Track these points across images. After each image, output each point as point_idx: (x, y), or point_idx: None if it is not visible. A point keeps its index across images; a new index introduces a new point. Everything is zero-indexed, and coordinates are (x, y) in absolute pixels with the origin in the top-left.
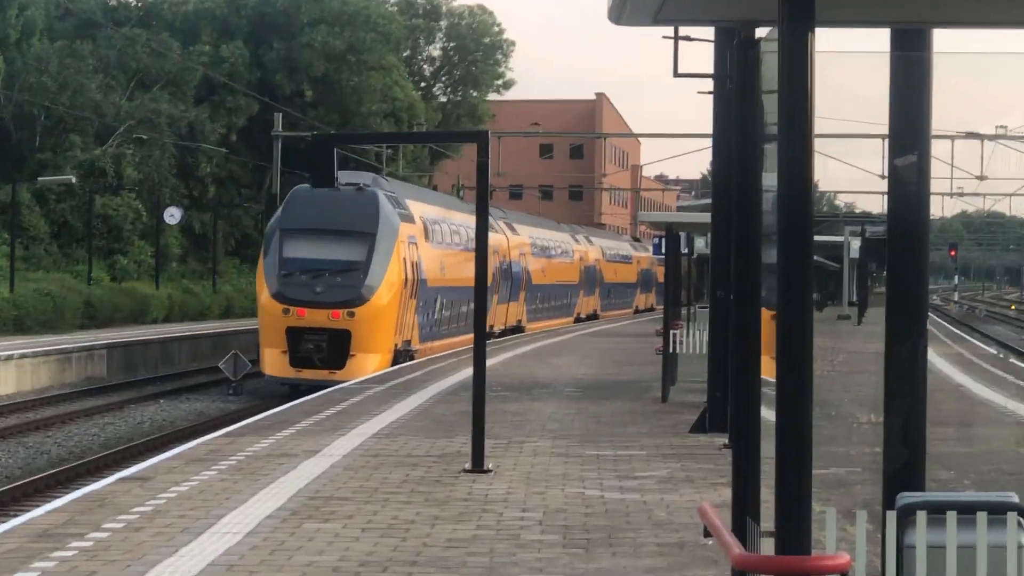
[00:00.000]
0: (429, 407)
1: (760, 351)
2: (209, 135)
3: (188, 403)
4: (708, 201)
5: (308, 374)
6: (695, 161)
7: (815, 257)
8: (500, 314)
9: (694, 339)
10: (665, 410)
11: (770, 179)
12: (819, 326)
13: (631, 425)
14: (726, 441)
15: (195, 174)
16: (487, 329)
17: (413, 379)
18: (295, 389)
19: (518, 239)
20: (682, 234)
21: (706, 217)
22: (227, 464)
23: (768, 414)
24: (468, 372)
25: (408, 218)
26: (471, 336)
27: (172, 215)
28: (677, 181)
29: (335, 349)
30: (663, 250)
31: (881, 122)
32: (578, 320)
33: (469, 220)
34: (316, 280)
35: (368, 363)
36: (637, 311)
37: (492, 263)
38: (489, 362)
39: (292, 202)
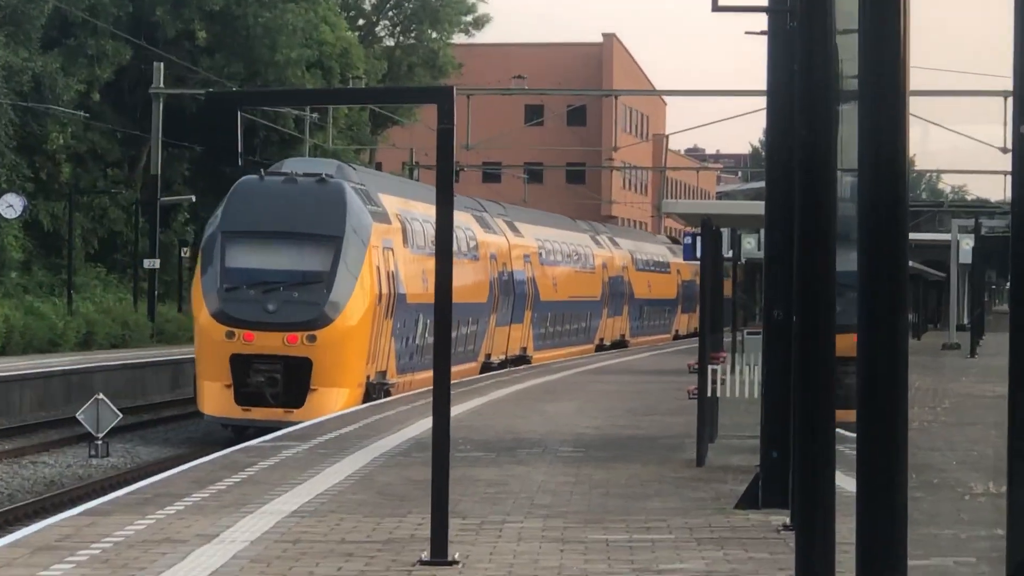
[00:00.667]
0: (372, 473)
1: (832, 393)
2: (62, 93)
3: (33, 468)
4: (760, 184)
5: (258, 414)
6: (742, 129)
7: (911, 263)
8: (499, 340)
9: (742, 377)
10: (701, 477)
11: (848, 153)
12: (916, 358)
13: (653, 498)
14: (787, 521)
15: (43, 148)
16: (484, 359)
17: (349, 433)
18: (240, 433)
19: (522, 242)
20: (724, 231)
21: (758, 207)
22: (87, 554)
23: (845, 482)
24: (428, 422)
25: (382, 217)
26: (465, 366)
27: (10, 206)
28: (717, 157)
29: (292, 382)
30: (697, 253)
31: (1004, 74)
32: (601, 348)
33: (460, 218)
34: (268, 296)
35: (333, 399)
36: (677, 336)
37: (489, 274)
38: (458, 409)
39: (236, 198)
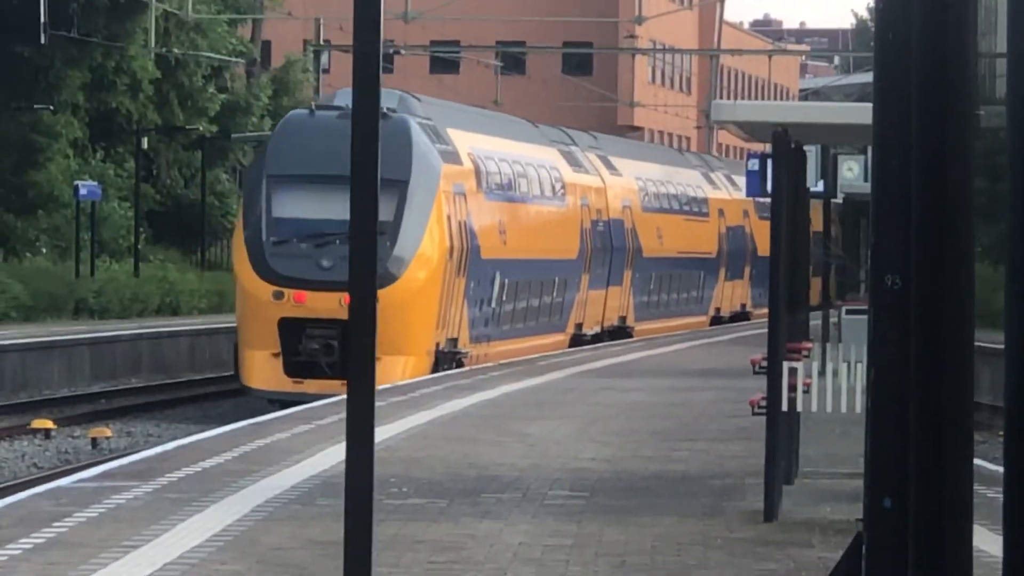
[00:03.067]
0: (252, 530)
1: (971, 407)
2: None
3: None
4: (868, 78)
5: (311, 386)
6: None
7: None
8: (594, 306)
9: (837, 382)
10: (771, 538)
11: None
12: None
13: (697, 573)
14: None
15: None
16: (574, 331)
17: (216, 468)
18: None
19: (619, 183)
20: (810, 150)
21: (865, 113)
22: None
23: (987, 541)
24: (343, 449)
25: (452, 157)
26: (549, 338)
27: None
28: (801, 34)
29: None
30: (766, 185)
31: None
32: (717, 320)
33: (543, 155)
34: (322, 250)
35: (398, 369)
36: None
37: (579, 224)
38: (391, 429)
39: (283, 136)
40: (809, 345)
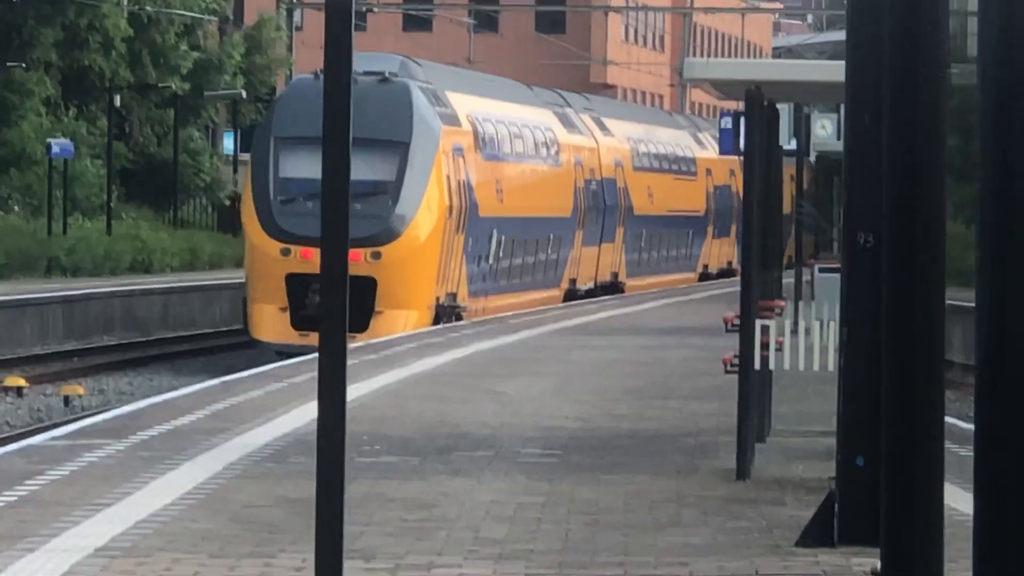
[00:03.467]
0: (224, 488)
1: (942, 365)
2: None
3: None
4: (841, 35)
5: (317, 339)
6: None
7: None
8: (587, 263)
9: (810, 340)
10: (744, 496)
11: None
12: None
13: (670, 530)
14: (876, 566)
15: None
16: (568, 286)
17: (188, 425)
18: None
19: (612, 143)
20: (783, 108)
21: (838, 71)
22: None
23: (957, 498)
24: (314, 407)
25: (451, 119)
26: (544, 293)
27: None
28: None
29: (356, 303)
30: (739, 144)
31: None
32: (705, 276)
33: (538, 116)
34: None
35: (400, 322)
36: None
37: (573, 183)
38: (363, 387)
39: (289, 100)
40: (782, 303)
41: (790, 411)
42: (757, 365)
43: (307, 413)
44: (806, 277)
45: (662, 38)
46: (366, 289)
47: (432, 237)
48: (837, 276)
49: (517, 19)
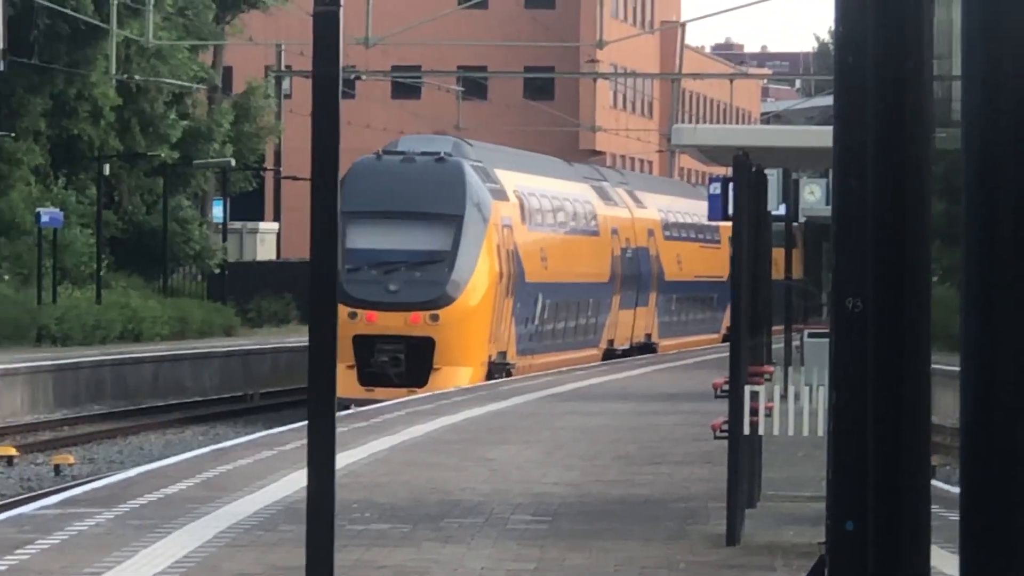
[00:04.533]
0: (214, 557)
1: (928, 429)
2: None
3: None
4: (829, 101)
5: (382, 393)
6: (801, 16)
7: None
8: (624, 324)
9: (799, 404)
10: (734, 562)
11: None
12: None
13: None
14: None
15: None
16: (607, 346)
17: (178, 494)
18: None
19: (644, 214)
20: (771, 174)
21: (825, 136)
22: None
23: (943, 561)
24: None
25: (500, 194)
26: (585, 352)
27: None
28: (762, 58)
29: (416, 361)
30: (728, 208)
31: None
32: (727, 338)
33: (578, 190)
34: (390, 276)
35: (456, 378)
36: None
37: (610, 251)
38: (354, 454)
39: (355, 178)
40: (771, 368)
41: (780, 476)
42: (747, 430)
43: (297, 481)
44: (797, 342)
45: (651, 104)
46: (425, 348)
47: (484, 301)
48: (826, 341)
49: (505, 86)
